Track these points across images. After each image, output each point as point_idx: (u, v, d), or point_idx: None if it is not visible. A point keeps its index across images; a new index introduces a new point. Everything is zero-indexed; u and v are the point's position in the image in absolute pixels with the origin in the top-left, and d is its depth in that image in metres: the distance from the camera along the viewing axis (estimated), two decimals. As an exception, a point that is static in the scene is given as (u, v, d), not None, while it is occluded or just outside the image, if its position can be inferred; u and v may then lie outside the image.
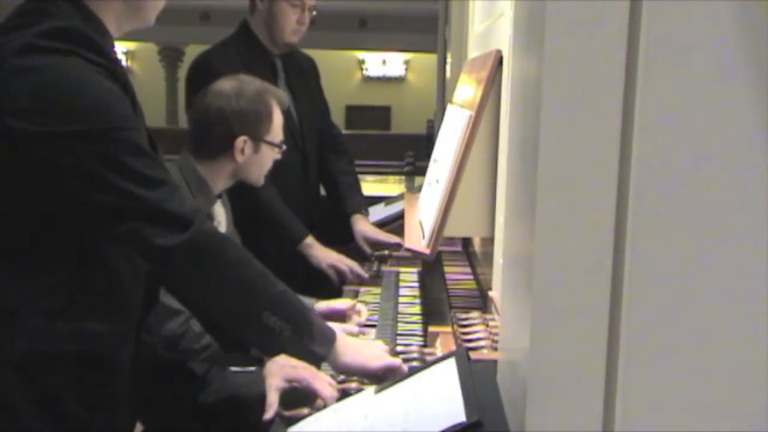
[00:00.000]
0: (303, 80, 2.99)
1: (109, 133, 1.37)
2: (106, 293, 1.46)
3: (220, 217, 2.24)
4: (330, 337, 1.54)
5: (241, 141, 2.13)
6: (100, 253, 1.45)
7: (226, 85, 2.18)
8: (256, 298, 1.49)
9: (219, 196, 2.22)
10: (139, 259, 1.51)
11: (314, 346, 1.52)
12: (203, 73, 2.80)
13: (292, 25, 2.84)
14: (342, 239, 3.14)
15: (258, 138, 2.16)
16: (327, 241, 3.17)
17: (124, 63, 13.95)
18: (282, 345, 1.51)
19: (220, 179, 2.19)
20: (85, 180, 1.37)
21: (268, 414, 1.57)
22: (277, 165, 2.46)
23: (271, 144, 2.20)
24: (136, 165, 1.38)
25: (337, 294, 2.51)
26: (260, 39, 2.86)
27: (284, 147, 2.25)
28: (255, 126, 2.15)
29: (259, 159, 2.20)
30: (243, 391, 2.05)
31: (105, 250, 1.46)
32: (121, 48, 13.89)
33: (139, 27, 1.53)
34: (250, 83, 2.20)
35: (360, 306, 2.17)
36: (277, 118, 2.20)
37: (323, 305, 2.25)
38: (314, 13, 2.92)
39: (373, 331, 2.10)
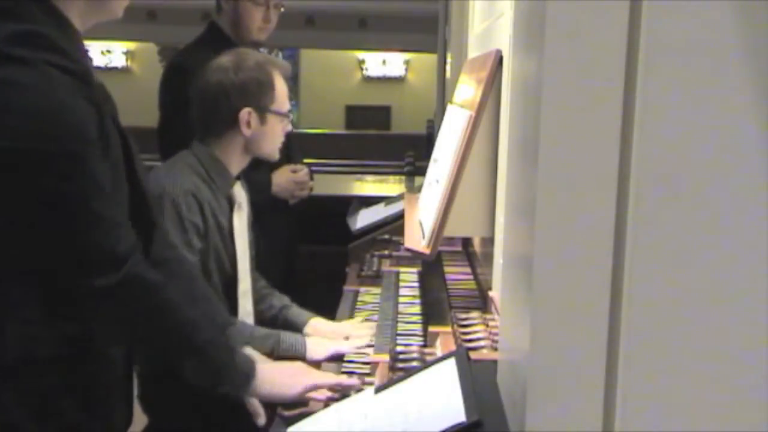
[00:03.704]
0: None
1: (58, 159, 1.35)
2: None
3: (241, 198, 2.20)
4: (248, 377, 1.56)
5: (246, 113, 2.09)
6: None
7: (224, 60, 2.14)
8: (177, 346, 1.50)
9: (238, 178, 2.19)
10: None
11: (231, 390, 1.56)
12: (179, 73, 2.82)
13: (258, 24, 2.85)
14: (337, 239, 3.15)
15: (263, 108, 2.12)
16: (323, 242, 3.18)
17: (123, 63, 13.99)
18: (203, 387, 1.54)
19: (233, 158, 2.15)
20: (24, 204, 1.35)
21: (261, 420, 1.60)
22: (262, 164, 2.46)
23: (278, 114, 2.15)
24: (76, 198, 1.36)
25: (337, 294, 2.52)
26: (230, 37, 2.87)
27: (291, 116, 2.22)
28: (257, 96, 2.11)
29: (268, 131, 2.15)
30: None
31: None
32: (121, 48, 13.90)
33: (104, 20, 1.51)
34: (249, 55, 2.16)
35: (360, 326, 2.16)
36: (281, 87, 2.16)
37: (321, 324, 2.22)
38: (282, 9, 2.92)
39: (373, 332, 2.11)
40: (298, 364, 1.69)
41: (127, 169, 1.49)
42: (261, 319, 2.25)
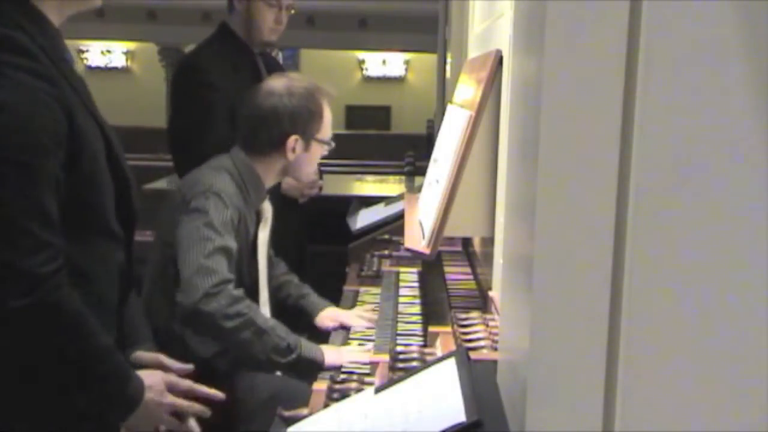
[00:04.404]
0: None
1: (4, 167, 1.34)
2: (80, 292, 1.45)
3: (268, 213, 2.27)
4: (132, 408, 1.52)
5: (293, 140, 2.16)
6: (69, 255, 1.43)
7: (276, 83, 2.19)
8: (75, 375, 1.46)
9: (268, 192, 2.24)
10: (109, 258, 1.51)
11: (114, 418, 1.53)
12: (191, 72, 2.83)
13: (270, 25, 2.88)
14: (338, 239, 3.16)
15: (309, 136, 2.18)
16: (324, 241, 3.18)
17: (123, 63, 13.97)
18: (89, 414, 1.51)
19: (270, 175, 2.22)
20: None
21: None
22: None
23: (322, 141, 2.22)
24: (11, 212, 1.35)
25: (338, 294, 2.52)
26: (241, 38, 2.88)
27: (333, 144, 2.27)
28: (307, 125, 2.17)
29: (309, 156, 2.22)
30: (251, 394, 2.07)
31: (74, 252, 1.45)
32: (121, 48, 13.89)
33: (83, 10, 1.51)
34: (300, 81, 2.22)
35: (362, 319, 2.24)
36: (327, 116, 2.22)
37: (332, 313, 2.31)
38: (292, 11, 2.94)
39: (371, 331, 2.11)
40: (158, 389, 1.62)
41: (109, 161, 1.50)
42: (279, 307, 2.32)
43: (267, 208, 2.26)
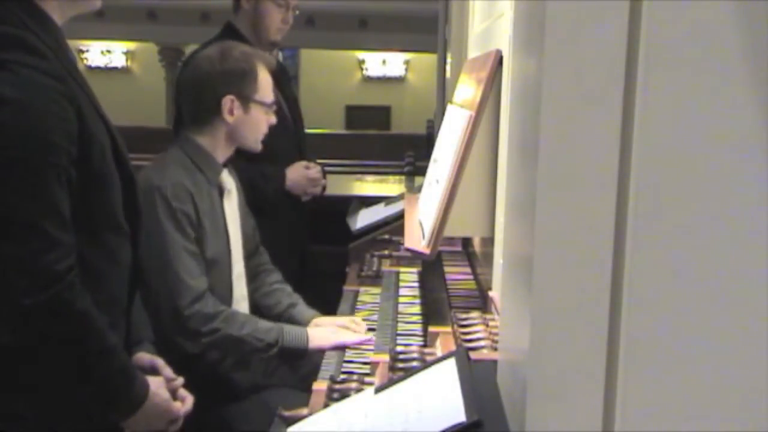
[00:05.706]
0: (286, 79, 3.05)
1: (15, 167, 1.35)
2: (90, 289, 1.45)
3: (230, 185, 2.25)
4: (137, 406, 1.54)
5: (229, 100, 2.14)
6: (81, 253, 1.44)
7: (210, 51, 2.20)
8: (81, 373, 1.47)
9: (225, 165, 2.23)
10: (119, 255, 1.52)
11: (118, 418, 1.55)
12: None
13: (277, 24, 2.91)
14: (337, 239, 3.16)
15: (246, 97, 2.16)
16: (324, 241, 3.19)
17: (123, 63, 13.99)
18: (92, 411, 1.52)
19: (218, 146, 2.19)
20: None
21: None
22: (278, 162, 2.49)
23: (261, 103, 2.19)
24: (24, 211, 1.36)
25: (337, 294, 2.52)
26: (246, 38, 2.90)
27: (275, 107, 2.25)
28: (240, 84, 2.15)
29: (251, 120, 2.19)
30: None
31: (86, 250, 1.45)
32: (121, 48, 13.91)
33: (84, 12, 1.53)
34: (235, 46, 2.22)
35: (358, 320, 2.23)
36: (264, 78, 2.19)
37: (325, 320, 2.28)
38: (297, 12, 2.96)
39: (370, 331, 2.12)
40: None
41: (115, 158, 1.50)
42: (268, 315, 2.30)
43: (227, 180, 2.24)
